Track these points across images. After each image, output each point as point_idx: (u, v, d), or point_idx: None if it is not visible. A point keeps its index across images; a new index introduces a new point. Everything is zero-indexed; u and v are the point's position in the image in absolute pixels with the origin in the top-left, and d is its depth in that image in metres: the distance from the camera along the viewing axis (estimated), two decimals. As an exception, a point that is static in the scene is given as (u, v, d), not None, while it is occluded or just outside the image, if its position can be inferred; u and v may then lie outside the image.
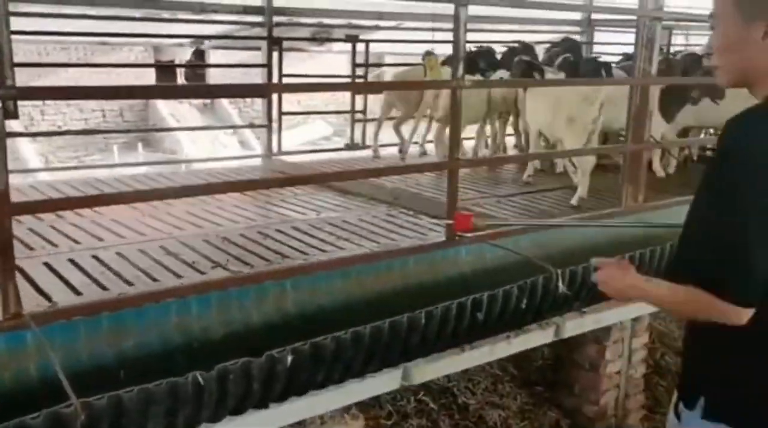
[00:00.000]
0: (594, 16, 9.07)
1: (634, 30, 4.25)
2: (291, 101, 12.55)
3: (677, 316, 1.67)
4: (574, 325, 3.67)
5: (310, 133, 16.89)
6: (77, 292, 2.85)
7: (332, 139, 15.78)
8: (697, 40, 10.34)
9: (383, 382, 2.90)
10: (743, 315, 1.61)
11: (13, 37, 2.34)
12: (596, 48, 9.01)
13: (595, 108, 4.68)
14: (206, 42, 7.66)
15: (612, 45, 9.44)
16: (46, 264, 3.21)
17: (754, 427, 1.72)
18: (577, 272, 3.24)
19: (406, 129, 6.45)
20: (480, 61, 5.85)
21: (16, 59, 2.43)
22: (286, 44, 7.13)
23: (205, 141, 14.17)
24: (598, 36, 9.25)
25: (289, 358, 2.30)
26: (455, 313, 2.76)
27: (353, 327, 2.51)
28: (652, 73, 4.08)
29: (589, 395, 4.19)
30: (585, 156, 4.70)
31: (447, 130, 5.40)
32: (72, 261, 3.31)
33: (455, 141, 3.37)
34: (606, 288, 1.90)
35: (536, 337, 3.50)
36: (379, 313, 2.80)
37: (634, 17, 4.41)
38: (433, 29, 6.69)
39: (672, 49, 9.34)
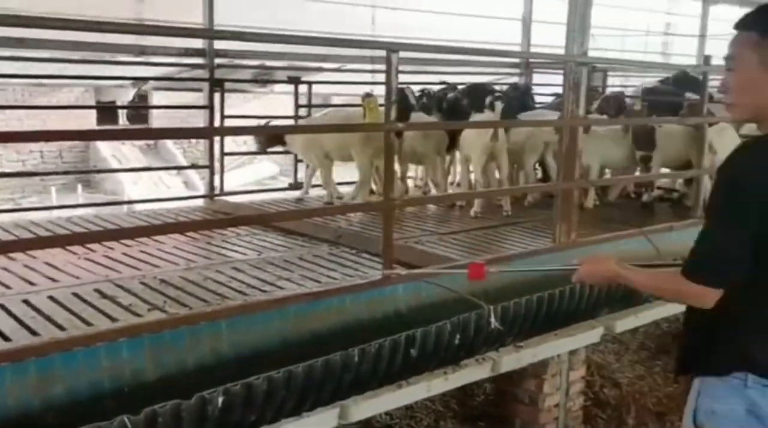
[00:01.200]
0: (533, 59, 9.44)
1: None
2: (237, 141, 12.53)
3: (662, 298, 2.02)
4: (511, 360, 3.72)
5: (257, 173, 16.89)
6: (6, 338, 2.79)
7: (279, 178, 15.77)
8: (633, 81, 10.79)
9: (320, 421, 2.88)
10: (707, 296, 1.87)
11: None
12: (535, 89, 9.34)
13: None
14: (148, 83, 7.63)
15: (550, 86, 9.79)
16: (-25, 311, 3.14)
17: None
18: (509, 308, 3.31)
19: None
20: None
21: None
22: (228, 85, 7.18)
23: (148, 182, 13.99)
24: (537, 78, 9.61)
25: (220, 399, 2.29)
26: (389, 350, 2.79)
27: (287, 367, 2.51)
28: (579, 114, 4.24)
29: (529, 429, 4.23)
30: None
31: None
32: (2, 306, 3.24)
33: (389, 182, 3.44)
34: (592, 280, 2.20)
35: (473, 373, 3.54)
36: (317, 353, 2.82)
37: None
38: (373, 71, 6.84)
39: (608, 91, 9.78)
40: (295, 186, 7.05)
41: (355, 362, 2.69)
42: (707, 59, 5.24)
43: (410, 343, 2.87)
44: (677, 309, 4.79)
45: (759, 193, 1.81)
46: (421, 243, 4.90)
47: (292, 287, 3.72)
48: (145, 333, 2.70)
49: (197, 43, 6.63)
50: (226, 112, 6.65)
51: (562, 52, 4.54)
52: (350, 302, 3.36)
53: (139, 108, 16.30)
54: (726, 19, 12.94)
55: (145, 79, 7.48)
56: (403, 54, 7.03)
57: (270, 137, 6.44)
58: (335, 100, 10.52)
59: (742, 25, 1.94)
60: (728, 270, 1.85)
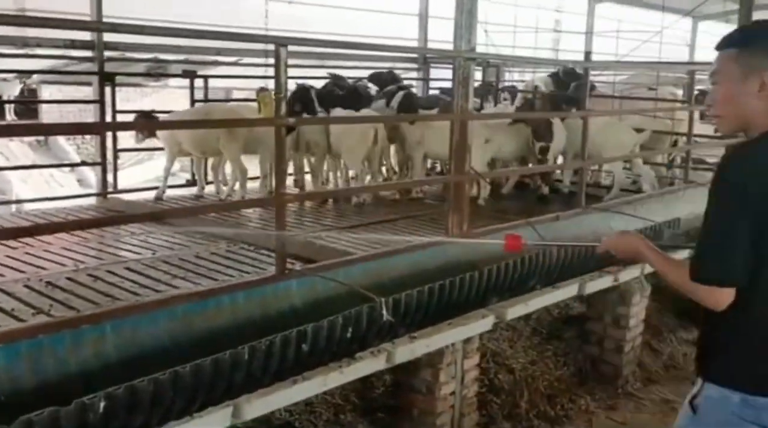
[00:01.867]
0: (430, 55, 9.61)
1: (478, 68, 4.60)
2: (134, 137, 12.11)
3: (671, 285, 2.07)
4: (406, 351, 3.79)
5: (156, 170, 16.38)
6: None
7: (179, 174, 15.37)
8: (525, 77, 11.19)
9: (212, 421, 2.84)
10: (718, 296, 1.91)
11: None
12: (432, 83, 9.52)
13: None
14: (34, 77, 7.27)
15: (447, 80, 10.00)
16: None
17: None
18: (400, 299, 3.38)
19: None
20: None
21: None
22: (120, 79, 6.96)
23: (39, 180, 13.34)
24: (434, 72, 9.80)
25: (102, 404, 2.23)
26: (279, 346, 2.80)
27: (173, 368, 2.47)
28: (468, 109, 4.36)
29: (426, 418, 4.31)
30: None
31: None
32: None
33: (280, 177, 3.43)
34: (616, 250, 2.27)
35: (368, 365, 3.57)
36: (209, 353, 2.78)
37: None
38: (267, 65, 6.78)
39: (501, 85, 10.10)
40: (193, 182, 6.94)
41: (245, 360, 2.68)
42: (587, 55, 5.48)
43: (302, 338, 2.88)
44: (565, 295, 5.04)
45: (758, 192, 1.89)
46: (320, 237, 4.92)
47: (187, 286, 3.67)
48: (22, 338, 2.59)
49: (85, 35, 6.39)
50: (123, 107, 6.47)
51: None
52: (243, 300, 3.34)
53: (27, 102, 15.54)
54: (610, 17, 13.62)
55: (30, 73, 7.12)
56: (301, 49, 7.04)
57: (150, 132, 6.30)
58: (237, 95, 10.36)
59: (723, 44, 2.08)
60: (735, 267, 1.89)
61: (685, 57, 15.34)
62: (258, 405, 3.05)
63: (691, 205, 6.41)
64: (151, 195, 6.61)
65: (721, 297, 1.91)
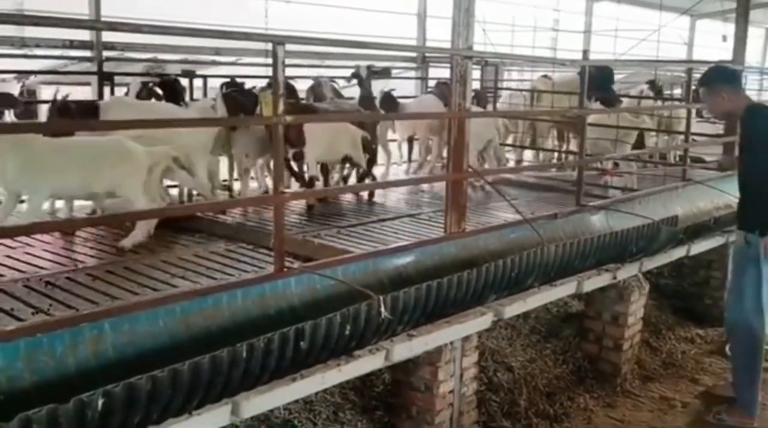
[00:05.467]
0: (429, 53, 9.62)
1: (476, 67, 4.60)
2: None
3: None
4: (404, 349, 3.80)
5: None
6: None
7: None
8: (529, 76, 11.19)
9: (210, 419, 2.86)
10: None
11: None
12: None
13: None
14: (32, 77, 7.27)
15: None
16: None
17: None
18: (398, 297, 3.38)
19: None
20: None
21: None
22: (119, 79, 6.95)
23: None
24: (433, 72, 9.80)
25: (100, 402, 2.24)
26: (278, 344, 2.80)
27: (172, 365, 2.48)
28: (466, 107, 4.37)
29: (425, 416, 4.32)
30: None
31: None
32: None
33: (279, 175, 3.44)
34: None
35: (367, 363, 3.59)
36: (208, 351, 2.79)
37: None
38: (267, 65, 6.77)
39: (502, 84, 10.12)
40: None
41: (244, 357, 2.69)
42: (585, 54, 5.50)
43: (300, 336, 2.88)
44: (563, 293, 5.05)
45: None
46: (319, 236, 4.93)
47: (186, 285, 3.68)
48: (22, 336, 2.60)
49: (84, 35, 6.40)
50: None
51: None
52: (242, 298, 3.34)
53: (27, 103, 15.47)
54: (608, 16, 13.64)
55: (29, 73, 7.12)
56: (301, 48, 7.03)
57: None
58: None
59: (699, 83, 4.94)
60: None
61: (683, 55, 15.37)
62: (256, 403, 3.07)
63: (688, 202, 6.42)
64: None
65: None
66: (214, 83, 8.13)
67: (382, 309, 3.19)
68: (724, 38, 12.74)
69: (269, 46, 3.40)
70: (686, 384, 5.72)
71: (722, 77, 4.74)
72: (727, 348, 6.26)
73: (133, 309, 2.90)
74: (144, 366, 2.60)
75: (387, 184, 5.78)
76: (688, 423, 5.10)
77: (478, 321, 4.26)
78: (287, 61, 3.53)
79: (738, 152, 4.86)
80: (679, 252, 6.16)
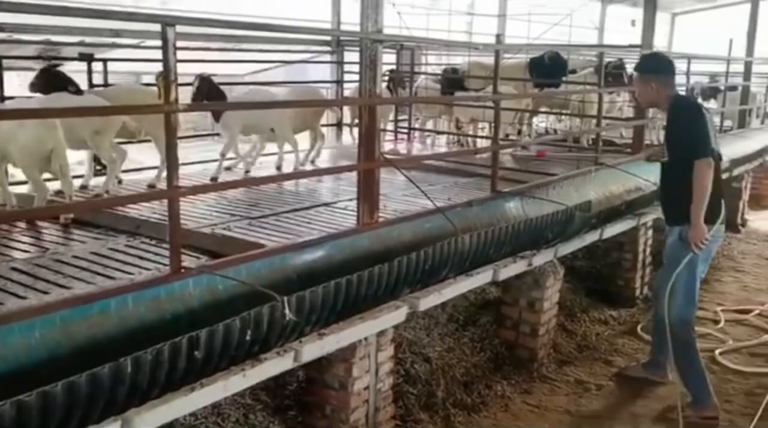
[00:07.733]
0: (344, 37, 9.36)
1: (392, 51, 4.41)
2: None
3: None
4: (314, 348, 3.63)
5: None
6: None
7: (83, 163, 14.63)
8: (453, 60, 11.11)
9: (98, 439, 2.61)
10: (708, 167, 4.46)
11: None
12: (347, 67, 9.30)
13: None
14: None
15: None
16: None
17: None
18: (305, 297, 3.19)
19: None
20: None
21: None
22: (9, 63, 6.45)
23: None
24: (348, 56, 9.56)
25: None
26: (168, 355, 2.56)
27: (42, 387, 2.21)
28: (376, 93, 4.19)
29: (340, 414, 4.17)
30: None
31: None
32: None
33: (172, 167, 3.17)
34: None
35: (274, 366, 3.39)
36: (94, 365, 2.53)
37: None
38: (180, 48, 6.39)
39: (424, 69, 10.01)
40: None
41: (129, 372, 2.44)
42: (498, 38, 5.41)
43: (194, 345, 2.65)
44: (480, 282, 4.98)
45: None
46: (229, 229, 4.67)
47: (81, 286, 3.38)
48: None
49: (-35, 15, 5.87)
50: (20, 93, 5.99)
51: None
52: (133, 303, 3.05)
53: None
54: (522, 1, 13.75)
55: None
56: (200, 30, 6.66)
57: None
58: (146, 79, 9.86)
59: (635, 69, 5.04)
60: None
61: (594, 40, 15.69)
62: (150, 417, 2.83)
63: (601, 187, 6.46)
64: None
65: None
66: (115, 67, 7.68)
67: (287, 311, 2.99)
68: (633, 23, 13.08)
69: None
70: (600, 366, 5.79)
71: (654, 67, 4.79)
72: (639, 328, 6.41)
73: (5, 320, 2.59)
74: (14, 386, 2.32)
75: (295, 176, 5.55)
76: (603, 406, 5.15)
77: (392, 316, 4.12)
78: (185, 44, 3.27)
79: (665, 144, 4.87)
80: (592, 237, 6.20)
